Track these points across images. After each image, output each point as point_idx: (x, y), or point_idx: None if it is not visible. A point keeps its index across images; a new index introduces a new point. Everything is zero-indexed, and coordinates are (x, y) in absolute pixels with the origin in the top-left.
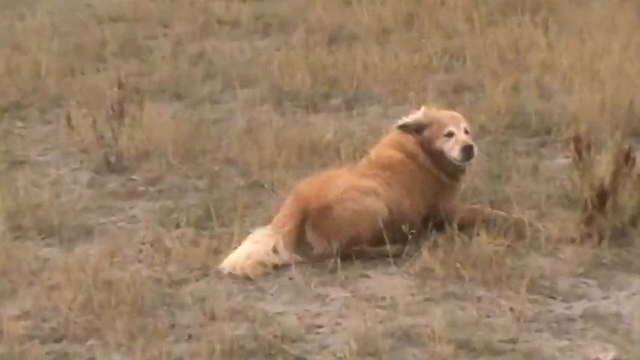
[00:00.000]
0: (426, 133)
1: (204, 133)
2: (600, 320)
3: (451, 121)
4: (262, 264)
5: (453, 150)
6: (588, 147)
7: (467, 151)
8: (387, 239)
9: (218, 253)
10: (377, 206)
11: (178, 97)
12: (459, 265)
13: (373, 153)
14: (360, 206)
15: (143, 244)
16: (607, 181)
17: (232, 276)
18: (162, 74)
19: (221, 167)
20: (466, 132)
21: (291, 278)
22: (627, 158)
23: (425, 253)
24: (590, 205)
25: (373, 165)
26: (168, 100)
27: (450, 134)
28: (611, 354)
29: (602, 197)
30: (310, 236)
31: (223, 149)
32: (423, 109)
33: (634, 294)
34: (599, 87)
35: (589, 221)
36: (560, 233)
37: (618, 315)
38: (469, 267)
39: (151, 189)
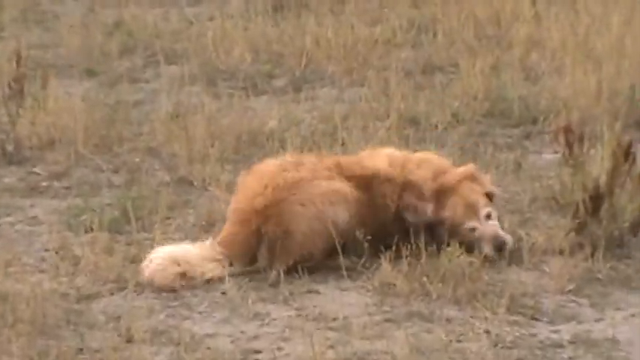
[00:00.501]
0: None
1: (121, 117)
2: (593, 346)
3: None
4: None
5: (483, 246)
6: (581, 140)
7: (499, 246)
8: (339, 250)
9: (137, 262)
10: (339, 219)
11: (90, 74)
12: (425, 279)
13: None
14: (320, 226)
15: (46, 250)
16: (603, 181)
17: (153, 289)
18: (71, 47)
19: (142, 159)
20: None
21: (224, 293)
22: (627, 154)
23: (385, 265)
24: (582, 209)
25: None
26: (78, 77)
27: (473, 229)
28: None
29: (597, 200)
30: (259, 251)
31: (145, 138)
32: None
33: (633, 315)
34: (595, 68)
35: (581, 229)
36: (547, 243)
37: (614, 340)
38: (437, 282)
39: (57, 184)
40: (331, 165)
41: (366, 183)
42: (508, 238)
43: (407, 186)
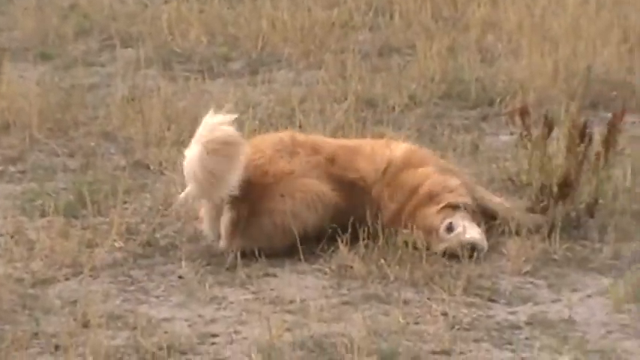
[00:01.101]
0: None
1: (76, 101)
2: (550, 327)
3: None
4: None
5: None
6: (539, 121)
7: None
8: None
9: (92, 246)
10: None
11: (45, 57)
12: (382, 262)
13: None
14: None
15: (1, 235)
16: (560, 162)
17: (110, 275)
18: (26, 30)
19: (97, 143)
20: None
21: (180, 277)
22: (583, 135)
23: (342, 248)
24: (547, 191)
25: None
26: (32, 61)
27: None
28: None
29: (560, 185)
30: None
31: (100, 122)
32: None
33: (589, 296)
34: (551, 50)
35: (544, 210)
36: (504, 224)
37: (571, 321)
38: (394, 264)
39: (12, 169)
40: (325, 160)
41: (351, 190)
42: (475, 239)
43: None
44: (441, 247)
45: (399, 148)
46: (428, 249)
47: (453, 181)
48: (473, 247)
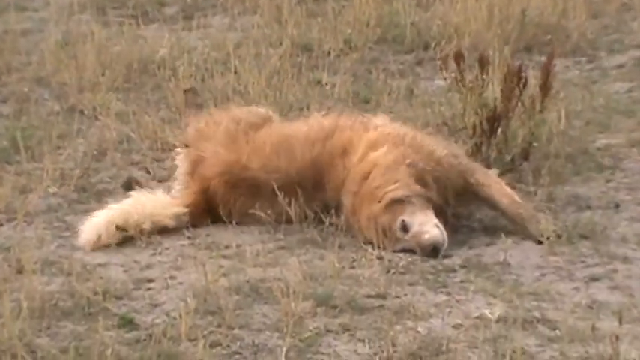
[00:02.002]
0: None
1: (9, 47)
2: (484, 270)
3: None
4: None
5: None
6: (474, 66)
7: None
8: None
9: (27, 192)
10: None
11: None
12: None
13: None
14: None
15: None
16: (495, 104)
17: (45, 220)
18: None
19: (31, 89)
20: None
21: None
22: (518, 78)
23: (279, 196)
24: (477, 132)
25: None
26: None
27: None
28: (497, 310)
29: (492, 123)
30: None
31: (34, 67)
32: None
33: (523, 239)
34: None
35: (476, 152)
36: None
37: (505, 264)
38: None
39: None
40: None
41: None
42: (435, 238)
43: None
44: (397, 247)
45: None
46: (385, 249)
47: (399, 172)
48: (434, 249)
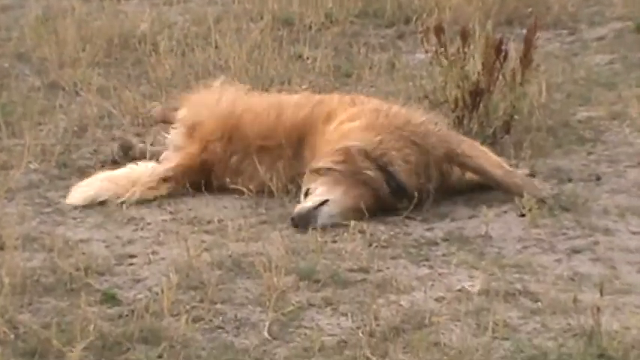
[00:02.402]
0: None
1: None
2: (466, 243)
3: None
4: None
5: None
6: (455, 39)
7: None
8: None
9: (7, 168)
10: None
11: None
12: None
13: None
14: None
15: None
16: (477, 78)
17: (26, 196)
18: None
19: (11, 64)
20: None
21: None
22: (498, 51)
23: (261, 170)
24: (459, 106)
25: None
26: None
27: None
28: (479, 283)
29: (473, 96)
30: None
31: (14, 43)
32: None
33: (505, 212)
34: None
35: (457, 125)
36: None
37: (487, 237)
38: None
39: None
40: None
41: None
42: (297, 210)
43: None
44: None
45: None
46: None
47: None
48: (293, 219)
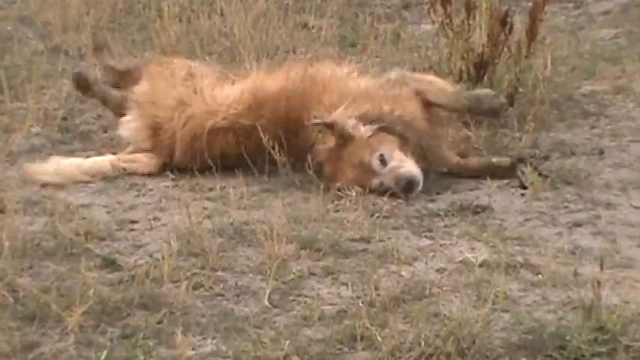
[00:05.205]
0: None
1: None
2: (468, 215)
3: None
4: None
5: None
6: (460, 10)
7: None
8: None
9: (10, 132)
10: None
11: None
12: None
13: None
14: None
15: None
16: (482, 50)
17: (28, 160)
18: None
19: (14, 28)
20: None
21: None
22: (504, 23)
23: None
24: (464, 77)
25: None
26: None
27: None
28: (481, 255)
29: (479, 68)
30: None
31: (18, 6)
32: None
33: (507, 184)
34: None
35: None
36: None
37: (489, 209)
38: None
39: None
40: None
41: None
42: (410, 174)
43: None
44: (375, 183)
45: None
46: (364, 189)
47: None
48: (409, 183)
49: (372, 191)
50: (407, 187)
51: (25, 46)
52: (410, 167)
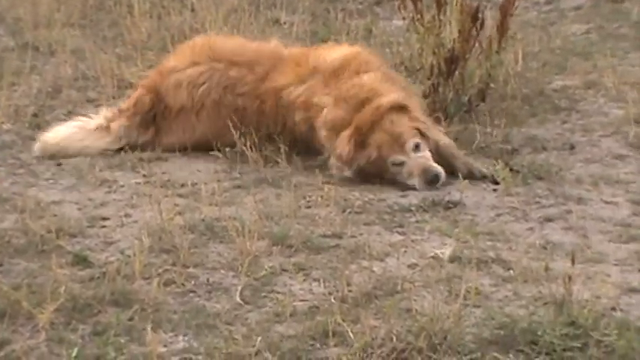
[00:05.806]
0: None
1: None
2: (440, 211)
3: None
4: None
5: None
6: (431, 6)
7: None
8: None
9: None
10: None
11: None
12: (280, 146)
13: None
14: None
15: None
16: (453, 45)
17: (0, 158)
18: None
19: None
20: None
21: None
22: (475, 19)
23: (236, 136)
24: (435, 73)
25: None
26: None
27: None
28: (449, 249)
29: (449, 64)
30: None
31: None
32: None
33: (479, 180)
34: None
35: (432, 92)
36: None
37: (461, 204)
38: (287, 153)
39: None
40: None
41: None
42: (439, 170)
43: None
44: (399, 158)
45: (334, 53)
46: (381, 156)
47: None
48: (435, 179)
49: (384, 166)
50: (433, 179)
51: None
52: (438, 166)
